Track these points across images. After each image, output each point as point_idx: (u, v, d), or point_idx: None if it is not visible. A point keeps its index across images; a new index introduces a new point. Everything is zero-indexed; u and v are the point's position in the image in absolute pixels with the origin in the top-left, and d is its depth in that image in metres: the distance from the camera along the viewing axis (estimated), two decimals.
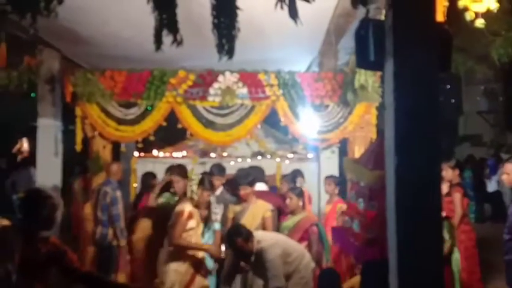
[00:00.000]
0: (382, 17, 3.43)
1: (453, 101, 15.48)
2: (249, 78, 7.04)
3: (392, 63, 3.03)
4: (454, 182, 6.22)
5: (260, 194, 5.75)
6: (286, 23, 3.13)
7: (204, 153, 8.04)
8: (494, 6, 3.73)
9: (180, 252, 4.94)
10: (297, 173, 6.19)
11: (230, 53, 3.02)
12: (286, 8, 2.92)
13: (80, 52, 7.14)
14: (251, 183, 5.40)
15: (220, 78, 7.00)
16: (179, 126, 7.09)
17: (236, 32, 3.01)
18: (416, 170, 2.94)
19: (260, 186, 5.94)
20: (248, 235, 4.45)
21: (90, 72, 6.85)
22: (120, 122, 6.94)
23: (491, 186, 11.96)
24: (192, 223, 4.98)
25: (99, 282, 3.07)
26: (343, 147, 7.37)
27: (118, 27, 5.94)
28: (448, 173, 6.05)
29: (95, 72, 6.86)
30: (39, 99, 7.10)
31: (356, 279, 4.53)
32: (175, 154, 8.08)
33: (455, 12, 4.64)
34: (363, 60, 3.35)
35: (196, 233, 5.08)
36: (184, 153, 8.11)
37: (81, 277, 2.86)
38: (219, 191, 5.96)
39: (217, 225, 5.22)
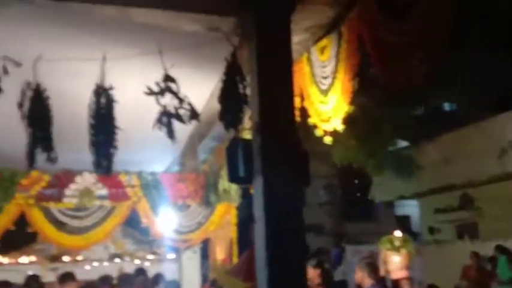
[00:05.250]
0: (249, 136, 3.76)
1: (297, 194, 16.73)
2: (109, 179, 6.89)
3: (261, 181, 3.30)
4: (316, 282, 6.21)
5: None
6: (150, 127, 3.29)
7: (56, 258, 7.46)
8: (340, 127, 4.28)
9: None
10: (158, 278, 6.03)
11: (108, 170, 3.05)
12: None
13: None
14: None
15: (78, 179, 6.76)
16: (29, 230, 6.56)
17: (114, 150, 3.06)
18: (287, 281, 3.14)
19: None
20: None
21: None
22: None
23: (337, 275, 12.78)
24: None
25: None
26: (205, 248, 7.46)
27: None
28: (310, 272, 6.12)
29: None
30: None
31: None
32: (22, 260, 7.35)
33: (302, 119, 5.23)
34: (233, 176, 3.59)
35: None
36: (32, 258, 7.43)
37: None
38: None
39: None
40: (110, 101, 3.15)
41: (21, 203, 6.45)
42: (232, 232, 7.22)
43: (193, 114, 3.14)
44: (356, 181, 16.19)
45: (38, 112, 3.02)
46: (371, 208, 17.30)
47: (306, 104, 4.72)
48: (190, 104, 3.15)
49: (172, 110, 3.13)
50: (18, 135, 3.49)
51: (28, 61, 3.17)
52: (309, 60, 4.64)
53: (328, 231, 17.44)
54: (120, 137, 4.64)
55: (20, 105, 3.10)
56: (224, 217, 7.18)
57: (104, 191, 6.82)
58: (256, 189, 3.40)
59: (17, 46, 3.26)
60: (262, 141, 3.34)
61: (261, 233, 3.29)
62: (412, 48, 2.89)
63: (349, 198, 17.07)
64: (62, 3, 3.16)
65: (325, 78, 4.47)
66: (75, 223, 6.72)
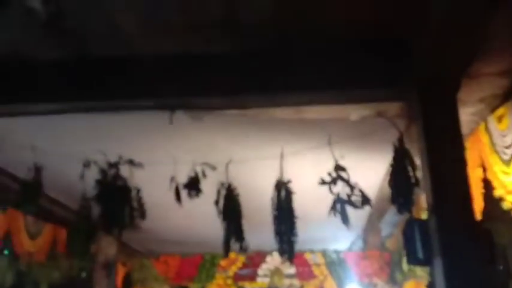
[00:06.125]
0: (426, 216, 3.73)
1: (501, 267, 14.96)
2: (296, 258, 7.19)
3: (441, 263, 3.24)
4: None
5: None
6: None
7: None
8: None
9: None
10: None
11: (290, 256, 3.35)
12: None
13: (137, 238, 7.60)
14: None
15: (268, 258, 7.26)
16: None
17: (295, 238, 3.36)
18: None
19: None
20: None
21: (145, 258, 7.23)
22: None
23: None
24: None
25: None
26: None
27: (178, 219, 6.43)
28: None
29: (150, 258, 7.24)
30: (95, 285, 7.38)
31: None
32: None
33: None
34: (412, 258, 3.56)
35: None
36: None
37: None
38: None
39: None
40: (289, 194, 3.52)
41: (220, 283, 7.16)
42: None
43: (365, 200, 3.30)
44: None
45: (230, 208, 3.54)
46: None
47: (489, 175, 4.51)
48: (361, 191, 3.33)
49: (345, 197, 3.33)
50: (216, 224, 4.05)
51: (220, 164, 3.75)
52: (487, 129, 4.48)
53: None
54: (302, 219, 5.01)
55: (216, 202, 3.67)
56: None
57: (291, 270, 7.18)
58: (436, 271, 3.33)
59: (211, 152, 3.90)
60: (438, 221, 3.31)
61: None
62: None
63: None
64: (245, 110, 3.70)
65: (506, 147, 4.26)
66: None
